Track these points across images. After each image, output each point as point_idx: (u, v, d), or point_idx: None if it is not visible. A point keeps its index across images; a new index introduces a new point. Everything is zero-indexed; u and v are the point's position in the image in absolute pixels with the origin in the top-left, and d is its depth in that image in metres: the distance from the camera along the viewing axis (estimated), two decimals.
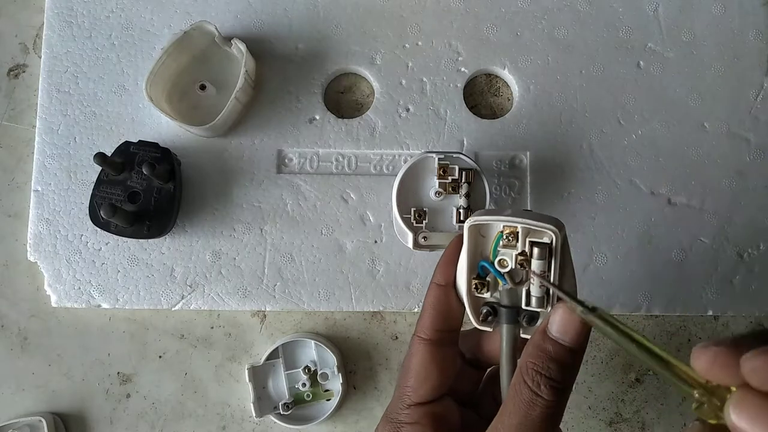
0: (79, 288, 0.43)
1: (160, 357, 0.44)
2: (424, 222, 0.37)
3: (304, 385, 0.42)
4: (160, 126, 0.44)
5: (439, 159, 0.37)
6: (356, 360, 0.44)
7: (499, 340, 0.29)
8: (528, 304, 0.29)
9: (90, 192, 0.41)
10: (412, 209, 0.37)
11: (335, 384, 0.42)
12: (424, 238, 0.36)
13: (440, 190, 0.37)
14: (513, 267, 0.28)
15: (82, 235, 0.43)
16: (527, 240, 0.28)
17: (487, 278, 0.29)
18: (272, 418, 0.42)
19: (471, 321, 0.30)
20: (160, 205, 0.41)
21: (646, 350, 0.21)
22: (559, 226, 0.28)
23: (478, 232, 0.30)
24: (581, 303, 0.24)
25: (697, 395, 0.19)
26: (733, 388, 0.19)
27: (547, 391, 0.24)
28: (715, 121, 0.45)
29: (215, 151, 0.44)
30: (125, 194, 0.41)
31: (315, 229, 0.44)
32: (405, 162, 0.41)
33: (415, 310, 0.43)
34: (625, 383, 0.44)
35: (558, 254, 0.28)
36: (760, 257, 0.44)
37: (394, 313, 0.44)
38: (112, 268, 0.43)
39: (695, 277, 0.44)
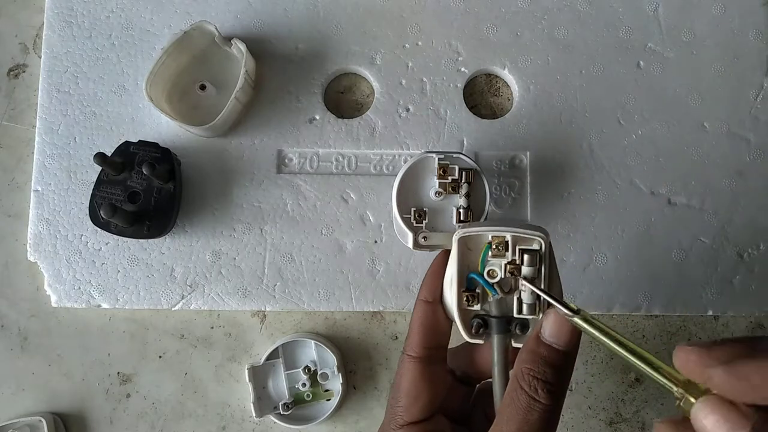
0: (79, 288, 0.43)
1: (160, 357, 0.44)
2: (424, 222, 0.37)
3: (304, 385, 0.42)
4: (160, 126, 0.44)
5: (439, 159, 0.37)
6: (356, 360, 0.44)
7: (491, 351, 0.29)
8: (520, 311, 0.29)
9: (90, 192, 0.41)
10: (412, 209, 0.37)
11: (335, 384, 0.42)
12: (424, 238, 0.36)
13: (440, 190, 0.37)
14: (502, 276, 0.29)
15: (82, 235, 0.43)
16: (517, 248, 0.29)
17: (476, 290, 0.30)
18: (272, 418, 0.42)
19: (462, 335, 0.30)
20: (160, 205, 0.41)
21: (629, 350, 0.23)
22: (546, 232, 0.29)
23: (465, 244, 0.30)
24: (566, 306, 0.25)
25: (676, 391, 0.21)
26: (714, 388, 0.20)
27: (544, 395, 0.25)
28: (715, 121, 0.45)
29: (215, 151, 0.44)
30: (125, 194, 0.41)
31: (315, 229, 0.44)
32: (405, 162, 0.41)
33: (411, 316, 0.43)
34: (625, 383, 0.44)
35: (546, 260, 0.29)
36: (760, 257, 0.44)
37: (394, 313, 0.44)
38: (112, 268, 0.43)
39: (695, 277, 0.44)
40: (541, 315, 0.29)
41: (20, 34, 0.47)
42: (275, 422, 0.42)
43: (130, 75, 0.45)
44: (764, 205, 0.44)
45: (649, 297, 0.44)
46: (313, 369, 0.42)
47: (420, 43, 0.46)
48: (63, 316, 0.44)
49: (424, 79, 0.45)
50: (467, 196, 0.37)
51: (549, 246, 0.29)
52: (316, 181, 0.44)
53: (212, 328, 0.44)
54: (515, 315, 0.29)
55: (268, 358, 0.43)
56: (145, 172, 0.39)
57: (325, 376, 0.42)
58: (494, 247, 0.29)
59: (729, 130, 0.45)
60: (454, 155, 0.37)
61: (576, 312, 0.25)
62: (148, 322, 0.44)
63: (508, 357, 0.28)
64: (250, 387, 0.41)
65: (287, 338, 0.43)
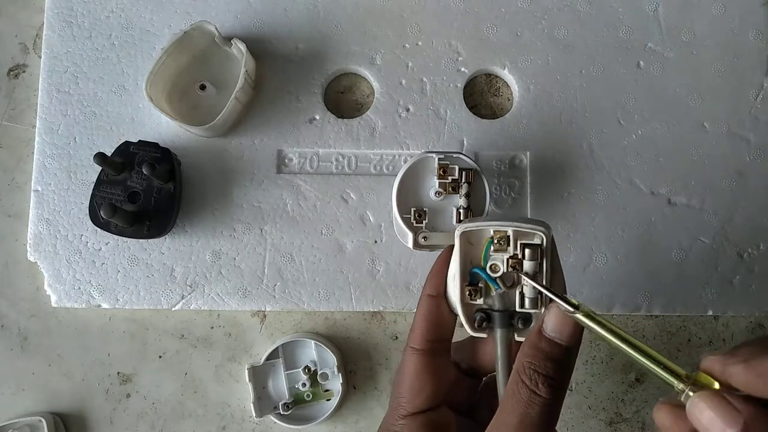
0: (79, 288, 0.43)
1: (160, 357, 0.44)
2: (424, 222, 0.37)
3: (304, 385, 0.42)
4: (160, 126, 0.44)
5: (439, 159, 0.37)
6: (356, 360, 0.44)
7: (494, 345, 0.29)
8: (522, 306, 0.29)
9: (90, 192, 0.41)
10: (412, 209, 0.37)
11: (335, 384, 0.42)
12: (424, 238, 0.36)
13: (440, 190, 0.37)
14: (505, 271, 0.29)
15: (82, 235, 0.43)
16: (518, 243, 0.29)
17: (479, 285, 0.30)
18: (272, 418, 0.42)
19: (465, 329, 0.30)
20: (160, 205, 0.41)
21: (630, 344, 0.23)
22: (548, 227, 0.29)
23: (467, 240, 0.30)
24: (567, 301, 0.25)
25: (677, 386, 0.22)
26: (716, 384, 0.21)
27: (545, 389, 0.25)
28: (715, 121, 0.45)
29: (215, 151, 0.44)
30: (125, 194, 0.41)
31: (315, 229, 0.44)
32: (405, 162, 0.41)
33: (415, 310, 0.43)
34: (625, 383, 0.44)
35: (548, 254, 0.29)
36: (760, 257, 0.44)
37: (394, 313, 0.44)
38: (112, 268, 0.43)
39: (695, 277, 0.44)
40: (543, 309, 0.29)
41: (20, 34, 0.47)
42: (275, 422, 0.42)
43: (130, 75, 0.45)
44: (764, 205, 0.44)
45: (649, 297, 0.44)
46: (313, 369, 0.42)
47: (420, 43, 0.46)
48: (63, 316, 0.44)
49: (424, 79, 0.45)
50: (467, 196, 0.37)
51: (551, 240, 0.29)
52: (316, 181, 0.44)
53: (212, 328, 0.44)
54: (518, 309, 0.29)
55: (268, 358, 0.43)
56: (145, 172, 0.39)
57: (325, 376, 0.42)
58: (496, 241, 0.29)
59: (729, 130, 0.45)
60: (454, 155, 0.38)
61: (576, 307, 0.25)
62: (148, 322, 0.44)
63: (511, 350, 0.29)
64: (250, 387, 0.41)
65: (287, 338, 0.43)
